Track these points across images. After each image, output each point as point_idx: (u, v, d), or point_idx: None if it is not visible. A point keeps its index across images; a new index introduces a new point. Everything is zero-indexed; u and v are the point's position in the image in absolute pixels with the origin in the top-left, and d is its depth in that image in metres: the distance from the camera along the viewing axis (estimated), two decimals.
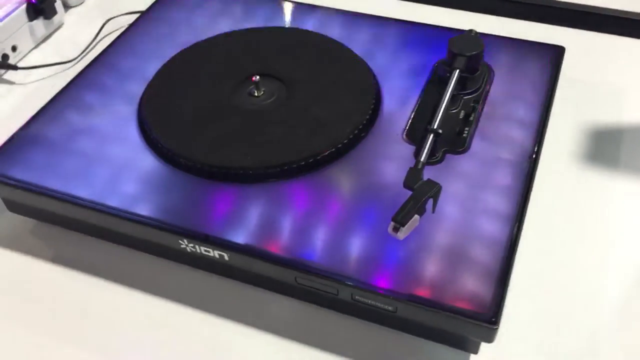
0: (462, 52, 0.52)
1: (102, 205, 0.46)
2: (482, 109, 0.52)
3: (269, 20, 0.62)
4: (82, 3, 0.77)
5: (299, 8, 0.64)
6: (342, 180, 0.47)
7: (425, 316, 0.40)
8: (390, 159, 0.48)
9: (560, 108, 0.57)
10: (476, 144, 0.49)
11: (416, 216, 0.41)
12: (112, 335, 0.46)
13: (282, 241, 0.43)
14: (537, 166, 0.48)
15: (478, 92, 0.53)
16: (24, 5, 0.68)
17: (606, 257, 0.49)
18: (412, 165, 0.45)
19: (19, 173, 0.49)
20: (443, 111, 0.48)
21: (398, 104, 0.53)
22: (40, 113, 0.54)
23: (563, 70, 0.56)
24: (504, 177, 0.47)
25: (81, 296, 0.48)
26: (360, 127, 0.50)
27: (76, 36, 0.72)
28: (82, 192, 0.47)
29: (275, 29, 0.61)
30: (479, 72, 0.53)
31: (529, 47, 0.57)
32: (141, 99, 0.54)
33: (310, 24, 0.61)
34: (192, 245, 0.44)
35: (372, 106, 0.51)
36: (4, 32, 0.66)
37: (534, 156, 0.48)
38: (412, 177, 0.43)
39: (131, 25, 0.63)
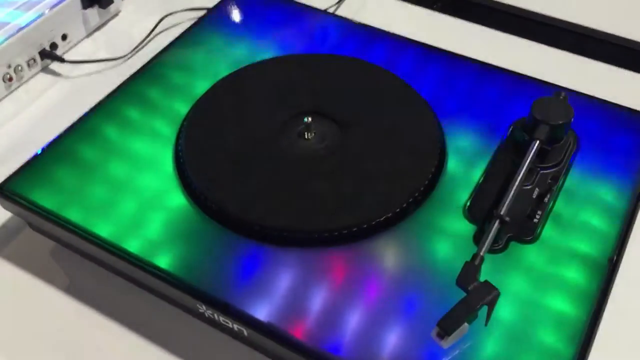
0: (545, 120, 0.45)
1: (121, 249, 0.42)
2: (561, 187, 0.45)
3: (333, 44, 0.56)
4: None
5: (369, 33, 0.57)
6: (387, 257, 0.42)
7: None
8: (446, 237, 0.42)
9: None
10: (548, 232, 0.43)
11: (465, 324, 0.36)
12: None
13: (308, 323, 0.38)
14: (619, 266, 0.41)
15: (558, 167, 0.46)
16: None
17: None
18: (469, 257, 0.39)
19: (41, 197, 0.45)
20: (514, 193, 0.41)
21: (464, 168, 0.46)
22: (76, 125, 0.50)
23: None
24: (577, 277, 0.40)
25: (86, 335, 0.45)
26: (417, 194, 0.44)
27: (132, 28, 0.68)
28: (103, 229, 0.43)
29: (336, 58, 0.55)
30: (562, 142, 0.46)
31: (626, 115, 0.50)
32: (181, 126, 0.49)
33: (378, 53, 0.55)
34: (210, 312, 0.40)
35: (434, 169, 0.45)
36: (55, 20, 0.62)
37: (615, 256, 0.41)
38: (467, 275, 0.37)
39: (186, 32, 0.58)
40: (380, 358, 0.37)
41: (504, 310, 0.39)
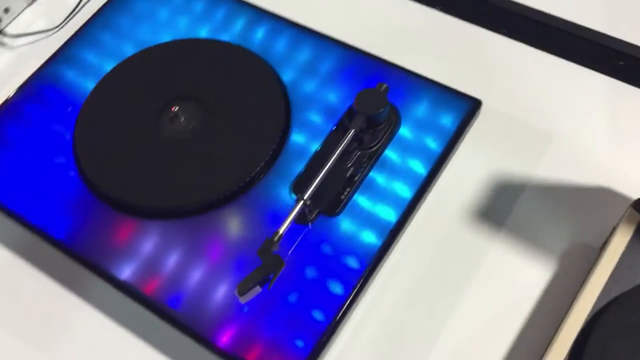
0: (362, 110, 0.55)
1: (25, 220, 0.55)
2: (376, 161, 0.55)
3: (223, 23, 0.65)
4: None
5: (252, 13, 0.66)
6: (229, 225, 0.54)
7: None
8: (279, 208, 0.54)
9: (470, 157, 0.60)
10: (352, 206, 0.54)
11: (258, 287, 0.48)
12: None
13: (158, 282, 0.52)
14: (401, 231, 0.53)
15: (374, 148, 0.56)
16: None
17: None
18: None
19: None
20: (320, 179, 0.52)
21: (304, 143, 0.57)
22: (3, 106, 0.62)
23: (492, 106, 0.58)
24: (372, 241, 0.52)
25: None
26: (252, 176, 0.55)
27: None
28: (16, 203, 0.56)
29: (206, 42, 0.64)
30: (381, 126, 0.56)
31: (446, 95, 0.59)
32: (79, 112, 0.60)
33: (258, 34, 0.64)
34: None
35: (271, 152, 0.56)
36: None
37: (395, 227, 0.53)
38: (265, 248, 0.49)
39: (99, 11, 0.68)
40: (207, 310, 0.50)
41: (301, 270, 0.51)
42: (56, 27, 0.74)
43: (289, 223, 0.51)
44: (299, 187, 0.55)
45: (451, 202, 0.59)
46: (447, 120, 0.57)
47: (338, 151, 0.54)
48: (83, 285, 0.58)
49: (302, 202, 0.51)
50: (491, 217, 0.58)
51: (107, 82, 0.62)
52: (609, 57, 0.68)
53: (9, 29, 0.75)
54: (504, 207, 0.59)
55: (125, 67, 0.62)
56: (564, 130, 0.62)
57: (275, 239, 0.50)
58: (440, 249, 0.57)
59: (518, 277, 0.55)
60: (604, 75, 0.67)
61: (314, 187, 0.52)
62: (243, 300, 0.49)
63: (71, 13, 0.75)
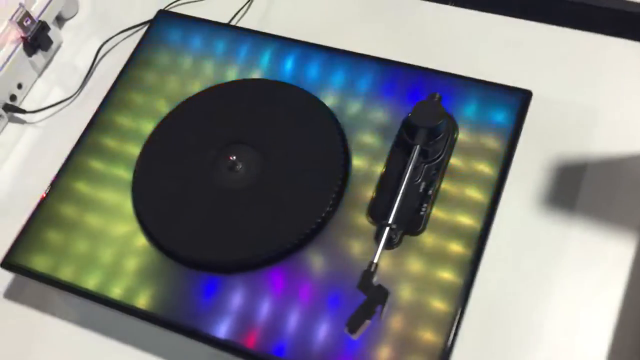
0: (422, 125, 0.54)
1: (106, 297, 0.54)
2: (444, 171, 0.55)
3: (249, 59, 0.64)
4: (76, 14, 0.79)
5: (275, 44, 0.65)
6: (312, 266, 0.53)
7: None
8: (357, 237, 0.53)
9: (524, 146, 0.59)
10: (433, 220, 0.53)
11: (367, 321, 0.48)
12: None
13: (257, 334, 0.51)
14: (489, 232, 0.53)
15: (440, 158, 0.55)
16: (21, 45, 0.71)
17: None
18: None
19: (36, 263, 0.56)
20: (399, 202, 0.52)
21: (366, 166, 0.56)
22: (52, 187, 0.60)
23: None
24: (459, 250, 0.52)
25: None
26: (326, 211, 0.54)
27: (75, 59, 0.76)
28: (89, 282, 0.55)
29: (247, 82, 0.63)
30: (442, 136, 0.56)
31: (494, 92, 0.58)
32: (133, 176, 0.59)
33: (287, 65, 0.63)
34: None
35: (338, 187, 0.55)
36: (8, 76, 0.70)
37: (482, 234, 0.52)
38: (365, 281, 0.49)
39: (122, 73, 0.66)
40: (315, 352, 0.49)
41: (400, 291, 0.51)
42: (73, 95, 0.72)
43: (380, 251, 0.50)
44: (376, 211, 0.54)
45: (519, 196, 0.59)
46: (501, 117, 0.57)
47: (409, 169, 0.53)
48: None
49: (388, 227, 0.51)
50: (562, 202, 0.58)
51: (154, 144, 0.60)
52: (626, 20, 0.69)
53: (26, 105, 0.73)
54: (572, 190, 0.59)
55: (167, 124, 0.61)
56: (604, 101, 0.63)
57: (372, 269, 0.49)
58: (521, 243, 0.57)
59: (605, 255, 0.55)
60: (625, 39, 0.67)
61: (396, 210, 0.52)
62: (355, 336, 0.48)
63: (86, 77, 0.73)
